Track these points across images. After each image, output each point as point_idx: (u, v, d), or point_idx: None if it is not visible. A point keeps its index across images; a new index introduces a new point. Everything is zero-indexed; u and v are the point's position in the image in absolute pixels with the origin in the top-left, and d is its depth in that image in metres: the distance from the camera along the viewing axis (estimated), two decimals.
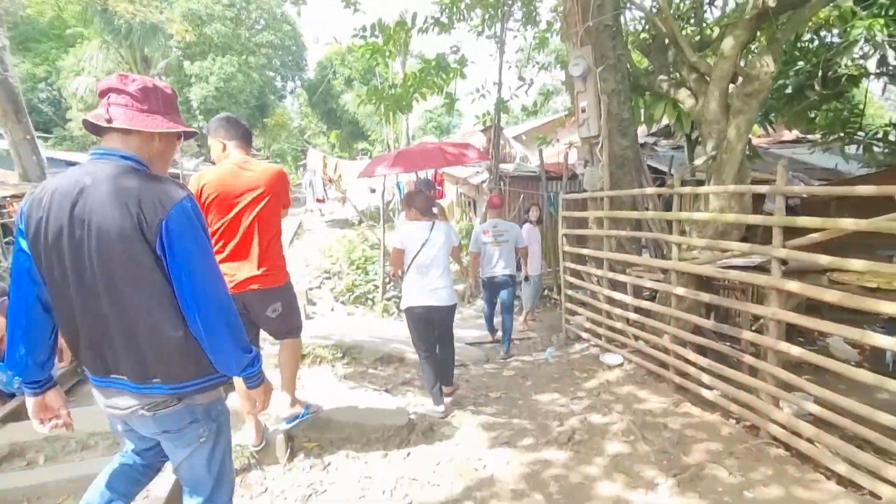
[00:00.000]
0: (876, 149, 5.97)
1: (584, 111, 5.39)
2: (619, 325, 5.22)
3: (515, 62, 8.89)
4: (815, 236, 3.09)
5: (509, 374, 5.29)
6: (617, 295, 5.16)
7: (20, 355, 1.61)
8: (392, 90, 7.79)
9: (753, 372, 3.56)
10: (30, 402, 1.69)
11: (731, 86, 4.60)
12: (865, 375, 2.65)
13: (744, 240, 4.16)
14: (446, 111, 7.78)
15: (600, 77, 5.19)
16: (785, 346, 3.20)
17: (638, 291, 5.18)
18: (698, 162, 4.50)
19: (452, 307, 4.03)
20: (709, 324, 4.10)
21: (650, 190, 5.12)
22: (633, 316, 4.94)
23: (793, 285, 3.14)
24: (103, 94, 1.57)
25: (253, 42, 28.18)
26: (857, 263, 2.70)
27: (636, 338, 5.01)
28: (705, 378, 3.85)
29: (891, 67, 5.80)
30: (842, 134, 6.23)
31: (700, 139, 5.25)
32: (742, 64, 4.66)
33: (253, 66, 28.63)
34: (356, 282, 8.18)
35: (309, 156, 11.74)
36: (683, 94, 5.12)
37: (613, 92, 5.30)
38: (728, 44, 4.43)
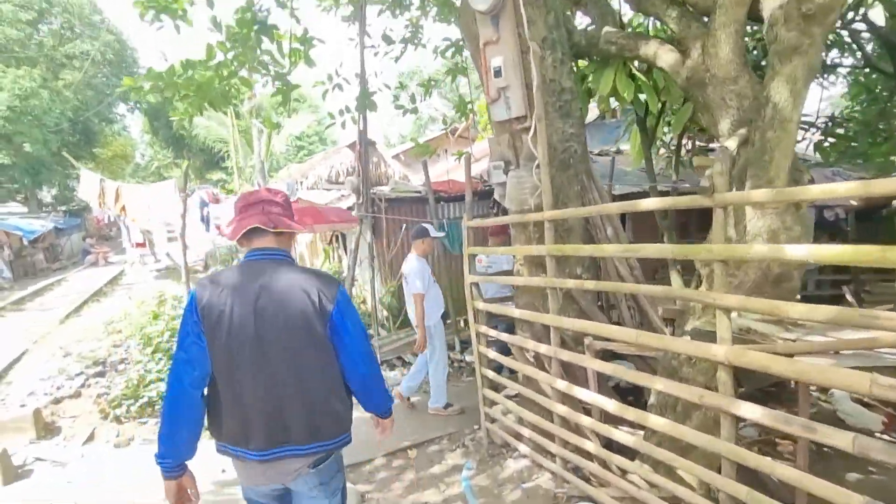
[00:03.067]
0: None
1: (498, 74, 3.12)
2: (589, 444, 2.93)
3: (382, 48, 6.55)
4: None
5: None
6: (584, 393, 2.87)
7: (182, 438, 1.82)
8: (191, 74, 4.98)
9: None
10: (171, 486, 1.85)
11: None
12: None
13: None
14: (281, 104, 4.94)
15: (525, 14, 2.98)
16: None
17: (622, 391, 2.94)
18: (731, 145, 2.43)
19: None
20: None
21: (614, 206, 2.91)
22: (624, 436, 2.66)
23: None
24: (254, 205, 1.95)
25: (62, 53, 22.90)
26: None
27: (624, 473, 2.76)
28: None
29: None
30: None
31: (693, 122, 3.22)
32: None
33: (68, 84, 23.32)
34: (146, 376, 5.04)
35: (82, 180, 8.22)
36: (653, 48, 3.09)
37: (546, 42, 3.12)
38: None
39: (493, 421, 4.20)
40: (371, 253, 6.68)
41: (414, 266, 4.72)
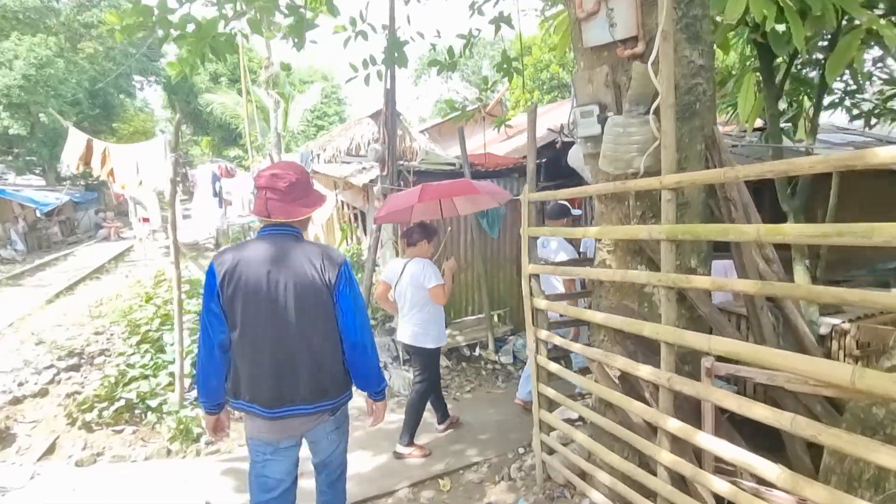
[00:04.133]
0: None
1: None
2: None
3: None
4: None
5: None
6: (715, 444, 1.92)
7: (213, 386, 2.12)
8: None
9: None
10: (210, 420, 2.22)
11: None
12: None
13: None
14: (295, 46, 3.99)
15: None
16: None
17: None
18: None
19: (417, 349, 3.82)
20: None
21: (754, 169, 1.86)
22: None
23: None
24: (261, 189, 2.09)
25: (80, 22, 22.22)
26: None
27: None
28: None
29: None
30: None
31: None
32: None
33: (87, 55, 22.68)
34: (127, 373, 4.20)
35: (68, 139, 7.34)
36: None
37: None
38: None
39: (551, 452, 3.28)
40: (396, 234, 5.77)
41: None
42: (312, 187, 2.22)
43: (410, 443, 3.88)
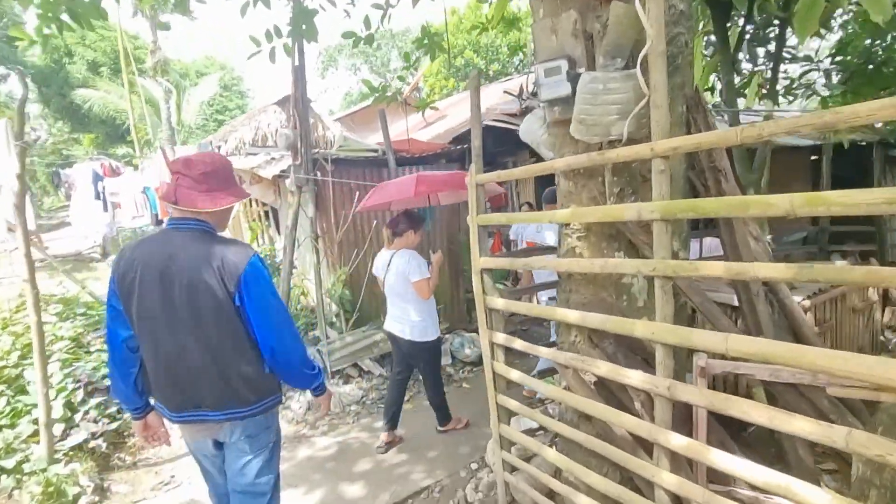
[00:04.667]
0: None
1: None
2: None
3: None
4: None
5: None
6: (727, 461, 1.57)
7: (121, 388, 2.00)
8: None
9: None
10: (135, 425, 2.08)
11: None
12: None
13: None
14: (176, 6, 3.22)
15: None
16: None
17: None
18: None
19: (408, 342, 3.64)
20: None
21: (739, 133, 1.56)
22: None
23: None
24: (174, 174, 1.91)
25: None
26: None
27: None
28: None
29: None
30: None
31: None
32: None
33: None
34: None
35: None
36: None
37: None
38: None
39: (513, 470, 2.87)
40: (314, 231, 5.11)
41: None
42: (234, 182, 2.02)
43: (446, 422, 3.97)
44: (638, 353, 2.14)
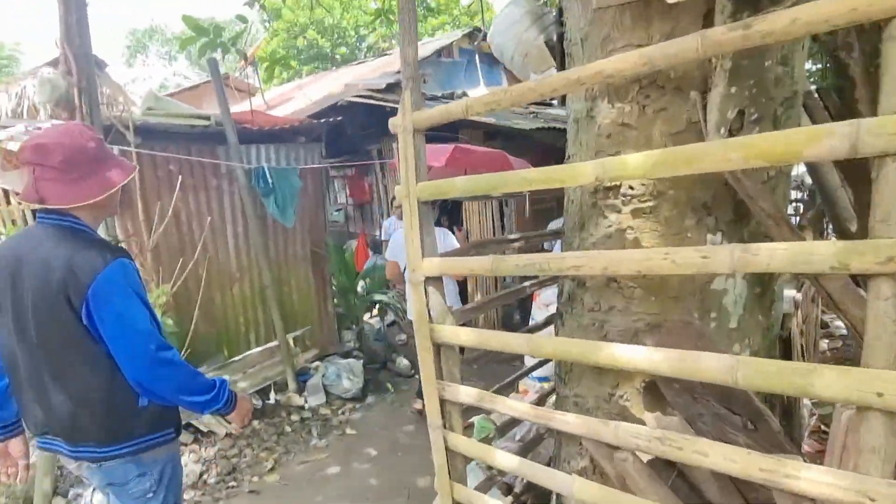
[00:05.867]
0: None
1: None
2: None
3: None
4: None
5: None
6: None
7: None
8: None
9: None
10: None
11: None
12: None
13: None
14: None
15: None
16: None
17: None
18: None
19: None
20: None
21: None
22: None
23: None
24: (27, 165, 1.46)
25: None
26: None
27: None
28: None
29: None
30: None
31: None
32: None
33: None
34: None
35: None
36: None
37: None
38: None
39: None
40: (113, 234, 3.41)
41: None
42: (109, 156, 1.54)
43: None
44: (738, 413, 1.24)
